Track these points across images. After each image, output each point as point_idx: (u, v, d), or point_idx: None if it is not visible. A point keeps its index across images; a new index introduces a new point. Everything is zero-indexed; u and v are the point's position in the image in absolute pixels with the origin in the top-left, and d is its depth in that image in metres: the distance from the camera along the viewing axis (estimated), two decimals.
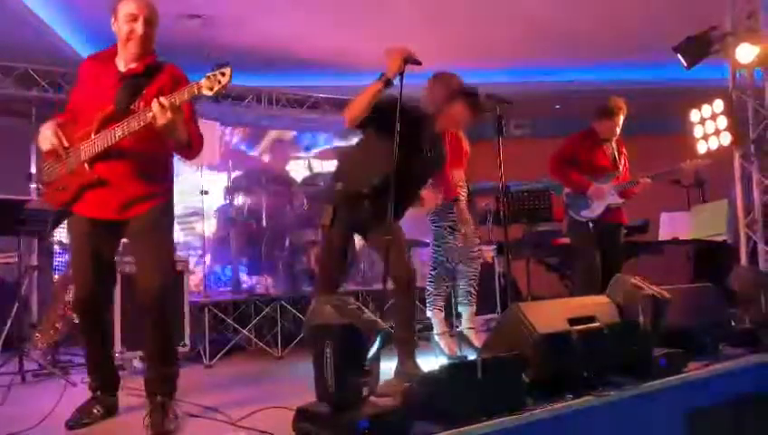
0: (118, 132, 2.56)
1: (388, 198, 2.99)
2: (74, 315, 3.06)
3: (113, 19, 2.72)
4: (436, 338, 4.06)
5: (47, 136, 2.65)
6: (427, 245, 5.67)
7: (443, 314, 4.10)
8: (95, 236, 2.68)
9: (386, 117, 2.98)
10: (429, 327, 4.11)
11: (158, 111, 2.41)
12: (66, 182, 2.67)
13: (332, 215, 3.24)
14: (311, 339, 2.13)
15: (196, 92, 2.43)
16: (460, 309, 4.17)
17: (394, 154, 2.93)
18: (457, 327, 4.88)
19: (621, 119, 4.36)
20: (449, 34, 6.27)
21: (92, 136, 2.60)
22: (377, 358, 2.15)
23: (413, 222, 7.11)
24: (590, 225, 4.32)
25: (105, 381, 2.81)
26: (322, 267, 3.46)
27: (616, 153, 4.47)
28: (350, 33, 5.78)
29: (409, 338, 3.24)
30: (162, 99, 2.43)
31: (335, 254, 3.32)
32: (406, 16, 5.85)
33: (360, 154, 3.33)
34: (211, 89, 2.41)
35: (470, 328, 4.09)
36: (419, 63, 3.03)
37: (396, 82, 2.99)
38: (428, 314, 4.11)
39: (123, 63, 2.74)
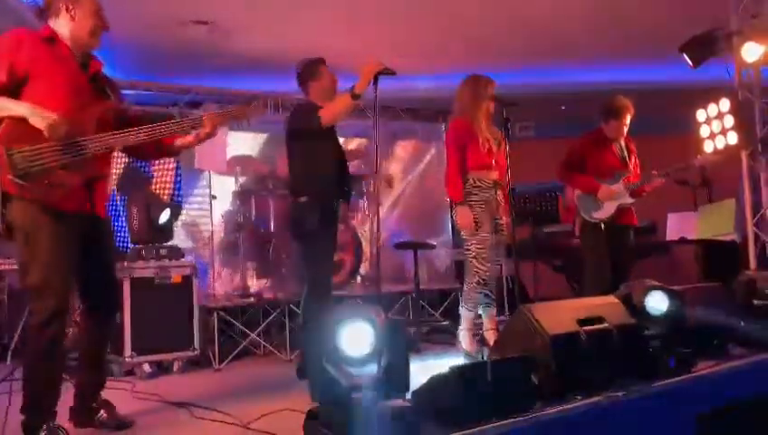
0: (143, 135, 2.63)
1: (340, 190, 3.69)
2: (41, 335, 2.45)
3: (69, 6, 2.58)
4: (461, 333, 4.09)
5: (64, 121, 2.42)
6: (432, 247, 5.70)
7: (474, 314, 4.11)
8: (77, 234, 2.53)
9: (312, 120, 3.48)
10: (439, 329, 4.11)
11: (212, 128, 2.75)
12: (62, 179, 2.43)
13: (316, 219, 3.46)
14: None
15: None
16: (480, 311, 4.17)
17: (377, 159, 3.27)
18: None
19: (628, 118, 4.37)
20: (455, 37, 6.28)
21: (92, 133, 2.51)
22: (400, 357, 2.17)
23: (418, 224, 7.17)
24: (603, 226, 4.33)
25: (54, 406, 2.53)
26: (318, 266, 3.54)
27: (625, 152, 4.47)
28: (357, 39, 5.80)
29: None
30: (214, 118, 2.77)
31: (328, 256, 3.53)
32: (411, 20, 5.86)
33: (310, 163, 3.60)
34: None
35: (490, 329, 4.10)
36: (393, 73, 3.28)
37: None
38: (460, 310, 4.12)
39: (79, 57, 2.63)
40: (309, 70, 3.72)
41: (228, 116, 2.86)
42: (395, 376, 2.14)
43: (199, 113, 3.05)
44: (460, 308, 4.13)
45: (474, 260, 4.01)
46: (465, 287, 4.11)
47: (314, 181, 3.56)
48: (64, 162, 2.43)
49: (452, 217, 4.12)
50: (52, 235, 2.43)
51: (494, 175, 4.12)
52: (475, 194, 4.05)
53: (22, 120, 2.38)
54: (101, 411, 2.76)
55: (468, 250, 4.05)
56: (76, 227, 2.53)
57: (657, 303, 2.90)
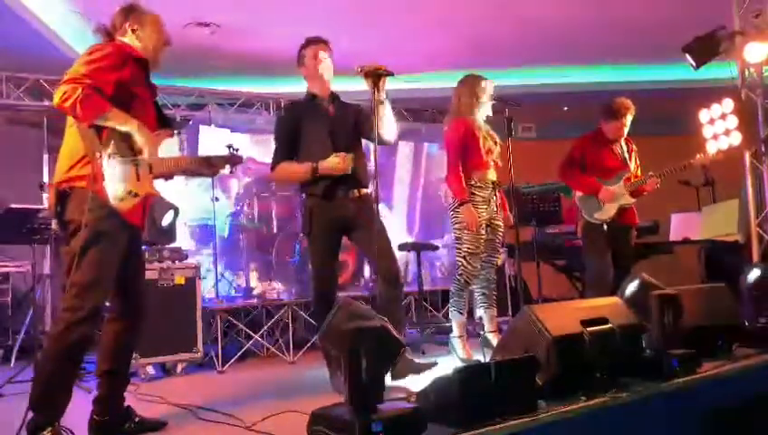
0: (184, 165, 2.97)
1: (349, 177, 3.40)
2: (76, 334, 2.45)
3: (134, 28, 2.73)
4: (453, 341, 4.06)
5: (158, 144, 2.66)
6: (435, 248, 5.69)
7: (464, 317, 4.08)
8: (127, 244, 2.62)
9: (297, 124, 3.46)
10: (443, 330, 4.09)
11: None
12: (136, 188, 2.58)
13: (308, 221, 3.44)
14: (340, 342, 2.10)
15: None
16: (479, 313, 4.16)
17: (376, 161, 3.17)
18: (470, 329, 4.89)
19: (629, 119, 4.37)
20: (456, 37, 6.29)
21: (155, 155, 2.66)
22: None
23: (425, 225, 7.16)
24: (605, 226, 4.33)
25: (65, 407, 2.50)
26: (313, 272, 3.54)
27: (625, 152, 4.48)
28: (357, 40, 5.81)
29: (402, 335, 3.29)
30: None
31: (323, 255, 3.46)
32: (412, 22, 5.87)
33: (303, 159, 3.51)
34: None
35: (492, 332, 4.08)
36: (391, 74, 3.23)
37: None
38: (450, 315, 4.11)
39: (146, 78, 2.77)
40: (298, 56, 3.63)
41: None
42: (368, 386, 2.07)
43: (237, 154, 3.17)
44: (450, 313, 4.10)
45: (463, 260, 3.99)
46: (452, 289, 4.08)
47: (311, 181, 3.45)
48: (139, 176, 2.60)
49: (454, 217, 4.05)
50: (115, 241, 2.55)
51: (493, 175, 4.12)
52: (477, 194, 4.05)
53: (120, 133, 2.54)
54: (132, 418, 2.75)
55: (460, 249, 4.02)
56: (129, 238, 2.62)
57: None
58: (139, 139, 2.57)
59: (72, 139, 2.55)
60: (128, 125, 2.54)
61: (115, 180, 2.51)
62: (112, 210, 2.51)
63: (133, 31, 2.72)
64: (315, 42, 3.57)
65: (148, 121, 2.68)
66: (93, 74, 2.47)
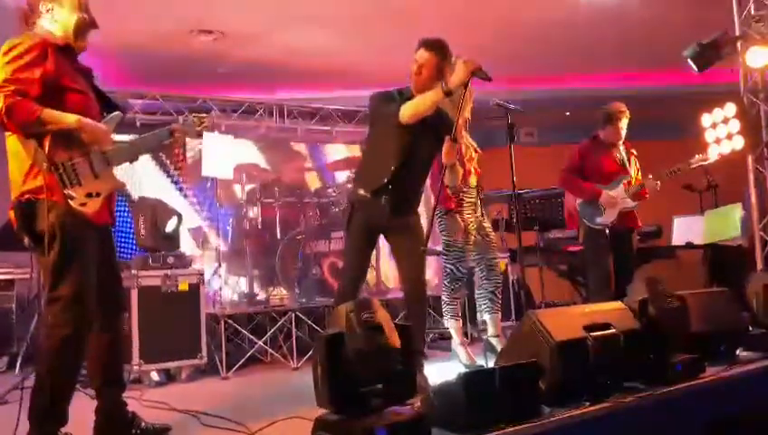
0: (142, 144, 2.79)
1: (404, 191, 3.31)
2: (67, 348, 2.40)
3: (48, 7, 2.46)
4: (455, 347, 4.07)
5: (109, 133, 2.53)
6: (439, 253, 5.69)
7: (460, 322, 4.10)
8: (99, 246, 2.53)
9: (389, 112, 3.23)
10: (446, 336, 4.10)
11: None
12: (96, 188, 2.44)
13: (350, 216, 3.40)
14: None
15: None
16: (485, 317, 4.17)
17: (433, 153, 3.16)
18: (475, 335, 4.90)
19: (625, 122, 4.39)
20: (460, 43, 6.29)
21: (109, 145, 2.52)
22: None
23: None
24: (606, 231, 4.33)
25: (67, 414, 2.47)
26: (343, 266, 3.56)
27: (625, 156, 4.49)
28: (359, 45, 5.83)
29: (419, 350, 3.26)
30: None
31: (352, 253, 3.44)
32: (414, 29, 5.87)
33: (371, 154, 3.49)
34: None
35: (495, 336, 4.09)
36: (489, 79, 3.14)
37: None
38: (446, 323, 4.12)
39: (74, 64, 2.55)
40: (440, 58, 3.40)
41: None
42: (401, 382, 2.14)
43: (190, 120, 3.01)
44: (446, 321, 4.11)
45: (452, 266, 4.02)
46: (443, 297, 4.09)
47: (370, 176, 3.37)
48: (96, 174, 2.46)
49: (440, 223, 4.06)
50: (89, 247, 2.46)
51: (474, 180, 4.14)
52: (465, 199, 4.07)
53: (63, 133, 2.37)
54: (137, 424, 2.72)
55: (448, 256, 4.04)
56: (100, 240, 2.54)
57: None
58: (84, 134, 2.40)
59: (15, 147, 2.39)
60: (66, 123, 2.35)
61: (71, 186, 2.36)
62: (77, 216, 2.39)
63: (48, 11, 2.47)
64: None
65: (91, 111, 2.51)
66: (15, 77, 2.28)
